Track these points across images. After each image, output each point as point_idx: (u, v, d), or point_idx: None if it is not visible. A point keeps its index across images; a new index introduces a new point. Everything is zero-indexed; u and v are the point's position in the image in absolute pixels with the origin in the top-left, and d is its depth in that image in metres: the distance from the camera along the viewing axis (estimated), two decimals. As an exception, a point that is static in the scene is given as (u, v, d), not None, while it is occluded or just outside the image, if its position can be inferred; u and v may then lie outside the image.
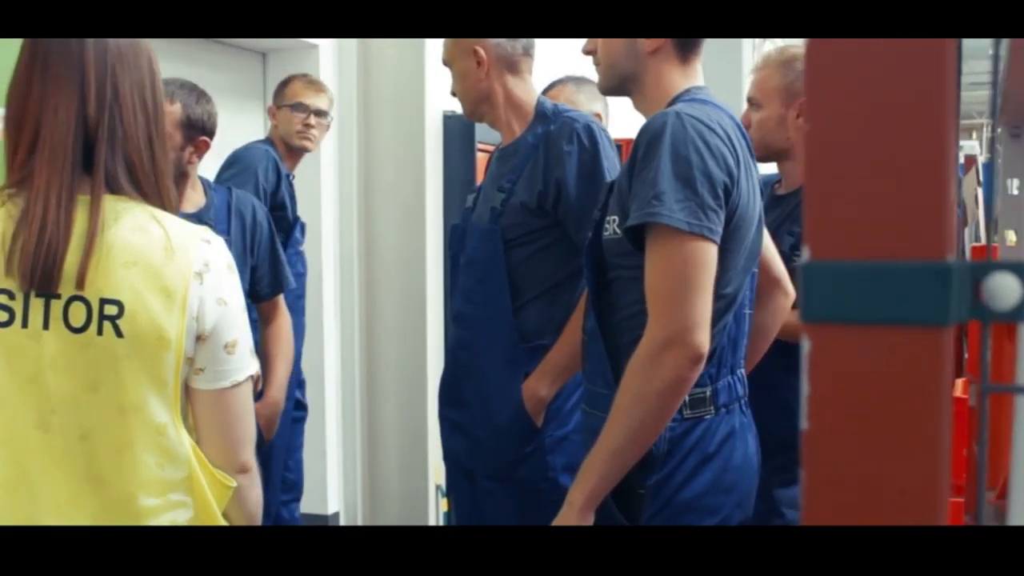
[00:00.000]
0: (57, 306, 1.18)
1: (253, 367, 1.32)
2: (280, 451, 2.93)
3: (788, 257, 2.14)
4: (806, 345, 0.54)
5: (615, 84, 1.76)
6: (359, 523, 3.70)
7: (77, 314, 1.17)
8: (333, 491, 3.68)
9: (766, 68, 2.19)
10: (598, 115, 2.68)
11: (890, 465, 0.53)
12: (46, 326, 1.17)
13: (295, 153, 3.15)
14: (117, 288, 1.18)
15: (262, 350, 2.55)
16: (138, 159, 1.24)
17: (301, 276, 3.16)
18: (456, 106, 3.51)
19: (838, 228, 0.53)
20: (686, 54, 1.72)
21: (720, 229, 1.53)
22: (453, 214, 3.49)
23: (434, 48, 3.45)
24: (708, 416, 1.63)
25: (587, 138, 2.08)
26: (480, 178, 3.44)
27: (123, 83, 1.25)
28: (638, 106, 1.78)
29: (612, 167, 2.07)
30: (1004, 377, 1.71)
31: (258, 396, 2.48)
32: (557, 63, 2.89)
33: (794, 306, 2.07)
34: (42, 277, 1.16)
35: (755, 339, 1.84)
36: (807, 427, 0.55)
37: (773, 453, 1.97)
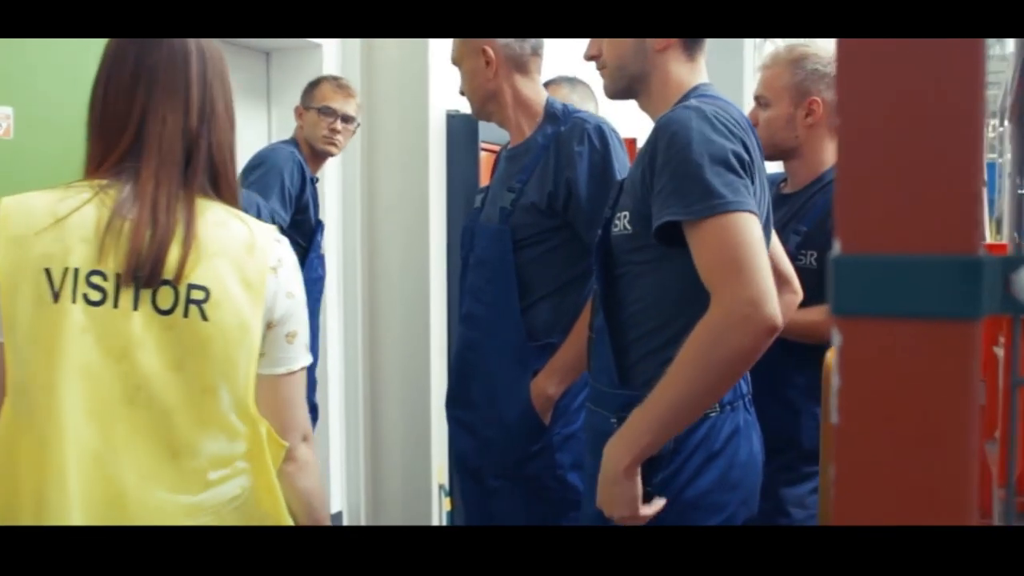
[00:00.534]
0: (147, 289, 1.27)
1: (307, 359, 1.43)
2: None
3: (794, 256, 2.15)
4: (836, 339, 0.55)
5: (624, 86, 1.76)
6: (362, 523, 3.70)
7: (165, 297, 1.27)
8: (336, 491, 3.68)
9: (775, 66, 2.19)
10: None
11: (920, 458, 0.53)
12: (136, 307, 1.26)
13: (319, 156, 3.12)
14: (204, 276, 1.28)
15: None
16: (222, 165, 1.37)
17: (320, 280, 3.15)
18: (460, 105, 3.53)
19: (869, 222, 0.53)
20: (693, 52, 1.74)
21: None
22: (457, 213, 3.49)
23: (437, 48, 3.45)
24: (713, 414, 1.63)
25: (598, 139, 2.08)
26: (484, 177, 3.45)
27: (218, 98, 1.38)
28: (644, 106, 1.79)
29: (623, 168, 2.07)
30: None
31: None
32: (556, 64, 2.89)
33: (799, 305, 2.08)
34: (151, 270, 1.26)
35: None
36: (838, 421, 0.55)
37: (778, 451, 1.97)
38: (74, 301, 1.24)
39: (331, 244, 3.57)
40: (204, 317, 1.28)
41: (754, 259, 1.48)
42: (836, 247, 0.54)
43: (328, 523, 1.51)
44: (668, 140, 1.56)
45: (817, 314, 2.08)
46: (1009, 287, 0.54)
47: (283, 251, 1.38)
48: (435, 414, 3.54)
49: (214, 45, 1.41)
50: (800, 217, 2.18)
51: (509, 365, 2.14)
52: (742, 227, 1.49)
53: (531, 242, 2.13)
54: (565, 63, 2.90)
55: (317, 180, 3.14)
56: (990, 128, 6.67)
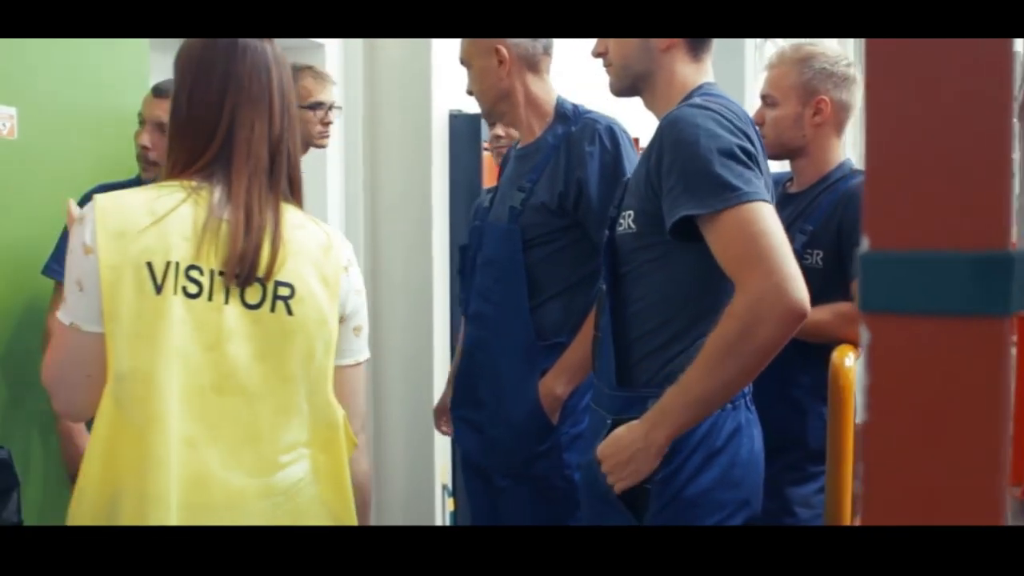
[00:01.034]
0: (238, 285, 1.36)
1: (368, 353, 1.54)
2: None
3: (800, 255, 2.14)
4: (865, 336, 0.54)
5: (628, 84, 1.77)
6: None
7: (253, 293, 1.36)
8: (339, 491, 3.67)
9: (782, 65, 2.19)
10: None
11: (949, 457, 0.53)
12: (227, 301, 1.35)
13: (303, 151, 3.11)
14: (289, 273, 1.38)
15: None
16: (295, 171, 1.47)
17: None
18: (463, 105, 3.53)
19: (898, 219, 0.53)
20: (698, 51, 1.75)
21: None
22: (460, 213, 3.49)
23: (440, 48, 3.45)
24: (715, 411, 1.63)
25: (609, 139, 2.08)
26: (487, 177, 3.44)
27: (291, 104, 1.46)
28: (649, 105, 1.79)
29: (633, 168, 2.07)
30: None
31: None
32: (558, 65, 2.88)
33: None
34: (247, 269, 1.35)
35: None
36: (867, 418, 0.55)
37: (783, 450, 1.96)
38: (175, 293, 1.32)
39: (334, 244, 3.56)
40: (289, 312, 1.38)
41: (776, 246, 1.49)
42: (864, 243, 0.54)
43: (370, 506, 1.60)
44: (675, 138, 1.57)
45: (823, 313, 2.08)
46: (1039, 283, 0.53)
47: (351, 252, 1.50)
48: (438, 414, 3.53)
49: (283, 54, 1.48)
50: (806, 216, 2.18)
51: (517, 364, 2.14)
52: (760, 216, 1.51)
53: (541, 242, 2.12)
54: (565, 64, 2.89)
55: None
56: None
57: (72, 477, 2.23)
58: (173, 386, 1.31)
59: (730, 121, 1.58)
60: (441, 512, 3.64)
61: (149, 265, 1.31)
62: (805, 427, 2.12)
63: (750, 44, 6.41)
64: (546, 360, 2.13)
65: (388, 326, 3.65)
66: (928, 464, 0.53)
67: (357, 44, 3.55)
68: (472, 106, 3.00)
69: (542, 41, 2.21)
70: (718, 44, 1.83)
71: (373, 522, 3.72)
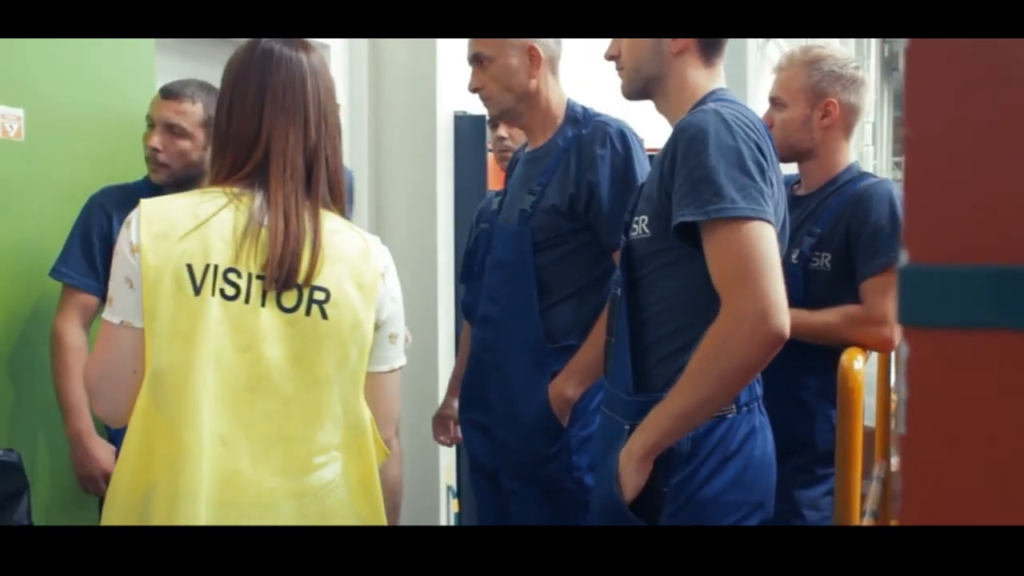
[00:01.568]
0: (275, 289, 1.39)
1: (404, 359, 1.56)
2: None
3: (808, 258, 2.14)
4: (904, 350, 0.54)
5: (639, 87, 1.77)
6: (369, 524, 3.69)
7: (289, 297, 1.39)
8: (343, 492, 3.67)
9: (791, 68, 2.19)
10: None
11: (989, 471, 0.53)
12: (263, 304, 1.38)
13: None
14: (325, 279, 1.41)
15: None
16: (335, 178, 1.48)
17: None
18: (468, 106, 3.53)
19: (939, 232, 0.52)
20: (710, 56, 1.75)
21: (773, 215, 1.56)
22: (464, 214, 3.48)
23: (445, 48, 3.44)
24: (730, 415, 1.64)
25: (620, 142, 2.08)
26: (491, 179, 3.44)
27: (330, 116, 1.48)
28: (661, 109, 1.80)
29: (644, 171, 2.07)
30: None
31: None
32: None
33: (811, 307, 2.08)
34: (286, 274, 1.38)
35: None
36: (905, 431, 0.55)
37: (792, 453, 1.97)
38: (213, 294, 1.36)
39: (338, 245, 3.55)
40: (324, 316, 1.40)
41: (764, 270, 1.50)
42: (904, 257, 0.54)
43: (399, 511, 1.62)
44: (686, 143, 1.57)
45: (830, 316, 2.08)
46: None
47: (389, 259, 1.52)
48: (442, 415, 3.52)
49: (322, 60, 1.51)
50: (814, 219, 2.18)
51: (527, 367, 2.13)
52: (755, 236, 1.51)
53: (550, 244, 2.12)
54: (575, 66, 2.89)
55: None
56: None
57: (81, 480, 2.22)
58: (208, 385, 1.35)
59: (743, 128, 1.58)
60: (445, 513, 3.63)
61: (189, 267, 1.35)
62: (813, 430, 2.12)
63: (752, 44, 6.41)
64: (556, 362, 2.12)
65: (392, 327, 3.64)
66: (966, 478, 0.53)
67: (362, 45, 3.54)
68: (477, 107, 3.00)
69: (561, 43, 2.21)
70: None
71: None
